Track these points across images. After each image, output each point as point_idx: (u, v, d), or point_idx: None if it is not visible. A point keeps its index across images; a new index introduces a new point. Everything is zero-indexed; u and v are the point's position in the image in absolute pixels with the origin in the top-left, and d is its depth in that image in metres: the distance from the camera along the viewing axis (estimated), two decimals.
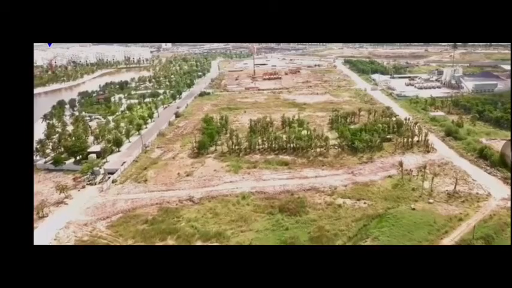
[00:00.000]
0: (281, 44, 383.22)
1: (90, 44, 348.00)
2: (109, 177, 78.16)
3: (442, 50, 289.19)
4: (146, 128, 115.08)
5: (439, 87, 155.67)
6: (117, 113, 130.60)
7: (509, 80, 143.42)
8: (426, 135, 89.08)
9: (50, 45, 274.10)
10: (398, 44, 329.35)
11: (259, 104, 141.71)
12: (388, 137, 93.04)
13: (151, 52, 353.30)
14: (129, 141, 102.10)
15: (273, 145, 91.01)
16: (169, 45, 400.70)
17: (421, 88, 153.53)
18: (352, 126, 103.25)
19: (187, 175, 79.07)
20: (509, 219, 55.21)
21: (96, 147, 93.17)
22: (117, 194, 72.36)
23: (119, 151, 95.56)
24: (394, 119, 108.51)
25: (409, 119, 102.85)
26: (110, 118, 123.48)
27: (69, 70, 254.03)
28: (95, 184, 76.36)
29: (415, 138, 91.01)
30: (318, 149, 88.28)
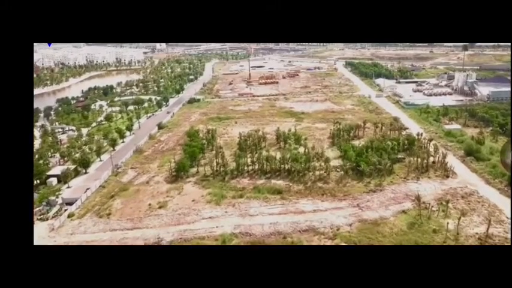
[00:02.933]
0: (280, 44, 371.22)
1: (84, 44, 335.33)
2: (66, 210, 65.02)
3: (448, 52, 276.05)
4: (123, 142, 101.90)
5: (450, 93, 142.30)
6: (93, 124, 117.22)
7: None
8: (445, 156, 75.56)
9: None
10: (401, 45, 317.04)
11: (253, 113, 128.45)
12: (400, 156, 79.71)
13: (145, 53, 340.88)
14: (101, 160, 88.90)
15: (265, 166, 77.86)
16: (164, 45, 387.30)
17: (430, 95, 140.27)
18: (356, 142, 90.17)
19: (160, 207, 65.77)
20: None
21: (58, 170, 79.93)
22: (71, 233, 59.11)
23: (86, 173, 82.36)
24: (404, 132, 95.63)
25: (421, 134, 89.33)
26: (85, 130, 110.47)
27: (55, 72, 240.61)
28: (47, 219, 63.11)
29: (431, 159, 77.85)
30: (317, 172, 75.03)
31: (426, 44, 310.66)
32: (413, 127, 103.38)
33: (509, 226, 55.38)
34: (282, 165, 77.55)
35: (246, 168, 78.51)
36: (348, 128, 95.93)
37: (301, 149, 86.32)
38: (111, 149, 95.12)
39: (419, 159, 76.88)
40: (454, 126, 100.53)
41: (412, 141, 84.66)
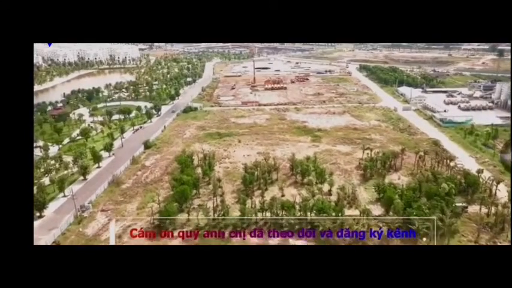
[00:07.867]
0: (285, 43, 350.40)
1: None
2: None
3: (469, 55, 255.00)
4: (99, 167, 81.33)
5: (490, 108, 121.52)
6: (65, 141, 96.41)
7: None
8: None
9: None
10: (416, 47, 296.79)
11: (259, 128, 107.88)
12: (460, 204, 59.29)
13: (142, 50, 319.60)
14: (64, 195, 68.36)
15: (279, 215, 57.60)
16: None
17: (467, 109, 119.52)
18: (394, 177, 70.16)
19: None
20: None
21: None
22: None
23: (40, 217, 61.92)
24: (452, 163, 74.95)
25: (482, 171, 68.42)
26: (54, 149, 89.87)
27: (40, 70, 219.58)
28: None
29: (502, 209, 57.40)
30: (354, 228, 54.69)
31: (442, 46, 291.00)
32: (461, 155, 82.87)
33: None
34: (302, 213, 57.47)
35: (253, 216, 58.27)
36: (384, 157, 75.16)
37: (325, 186, 66.57)
38: (81, 178, 74.78)
39: (488, 210, 56.70)
40: None
41: (473, 182, 63.90)
